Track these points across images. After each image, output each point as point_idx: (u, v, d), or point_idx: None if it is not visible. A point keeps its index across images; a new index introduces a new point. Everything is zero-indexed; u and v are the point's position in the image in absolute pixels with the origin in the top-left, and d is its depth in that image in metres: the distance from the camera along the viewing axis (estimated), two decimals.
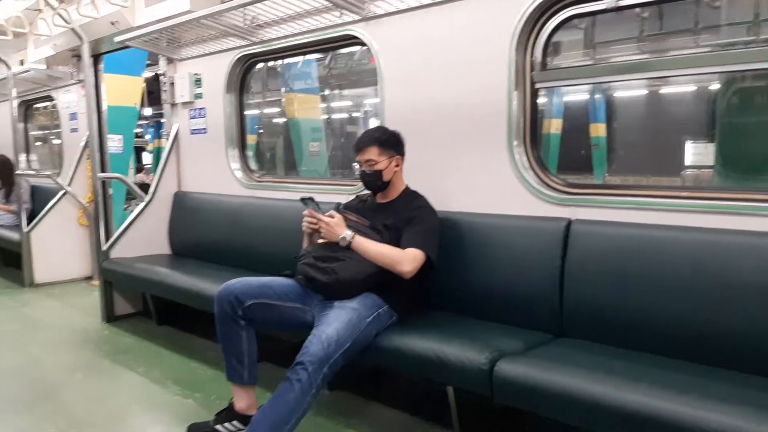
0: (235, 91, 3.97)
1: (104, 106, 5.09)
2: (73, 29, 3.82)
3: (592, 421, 1.87)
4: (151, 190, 4.27)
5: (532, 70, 2.60)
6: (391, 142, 2.62)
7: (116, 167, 5.29)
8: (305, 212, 2.53)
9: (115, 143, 5.54)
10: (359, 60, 7.79)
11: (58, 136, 7.82)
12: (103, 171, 4.62)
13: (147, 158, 18.20)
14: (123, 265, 3.90)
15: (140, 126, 17.10)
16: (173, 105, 4.34)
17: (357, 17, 3.08)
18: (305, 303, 2.49)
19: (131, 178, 7.19)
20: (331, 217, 2.47)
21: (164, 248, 4.30)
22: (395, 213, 2.59)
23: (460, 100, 2.79)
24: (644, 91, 9.95)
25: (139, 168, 14.90)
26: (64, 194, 5.28)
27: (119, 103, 5.68)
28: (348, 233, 2.44)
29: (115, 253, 4.06)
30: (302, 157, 7.81)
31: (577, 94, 9.63)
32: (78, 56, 5.10)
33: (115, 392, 2.98)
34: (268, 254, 3.50)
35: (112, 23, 3.88)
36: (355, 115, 12.01)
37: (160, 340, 3.67)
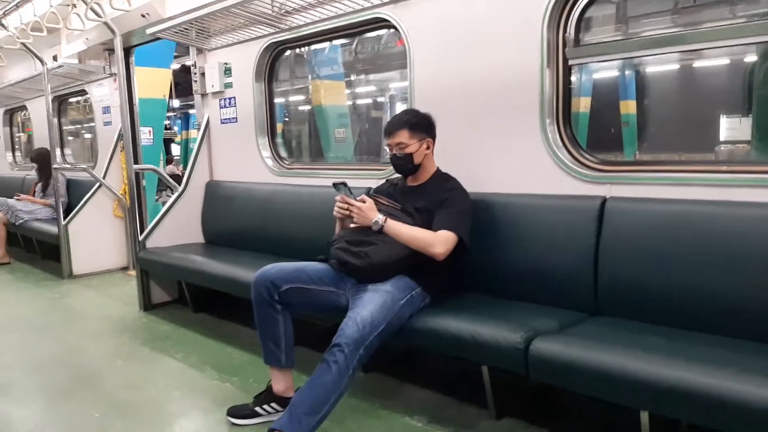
0: (264, 80, 4.00)
1: (136, 99, 5.20)
2: (105, 23, 3.87)
3: (628, 397, 1.87)
4: (185, 180, 4.33)
5: (564, 46, 2.56)
6: (421, 125, 2.61)
7: (147, 159, 5.40)
8: (337, 197, 2.54)
9: (145, 135, 5.66)
10: (386, 43, 7.74)
11: (89, 130, 8.02)
12: (136, 163, 4.70)
13: (175, 150, 18.50)
14: (159, 255, 3.98)
15: (168, 118, 17.35)
16: (204, 95, 4.38)
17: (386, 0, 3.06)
18: (339, 287, 2.51)
19: (162, 169, 7.32)
20: (363, 201, 2.48)
21: (198, 237, 4.37)
22: (426, 196, 2.59)
23: (491, 80, 2.76)
24: (676, 66, 9.69)
25: (169, 159, 15.14)
26: (99, 187, 5.39)
27: (149, 95, 5.78)
28: (380, 217, 2.44)
29: (150, 243, 4.15)
30: (329, 143, 7.83)
31: (606, 71, 9.43)
32: (110, 50, 5.21)
33: (154, 378, 3.05)
34: (300, 240, 3.53)
35: (143, 15, 3.93)
36: (380, 100, 11.98)
37: (196, 327, 3.75)
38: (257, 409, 2.48)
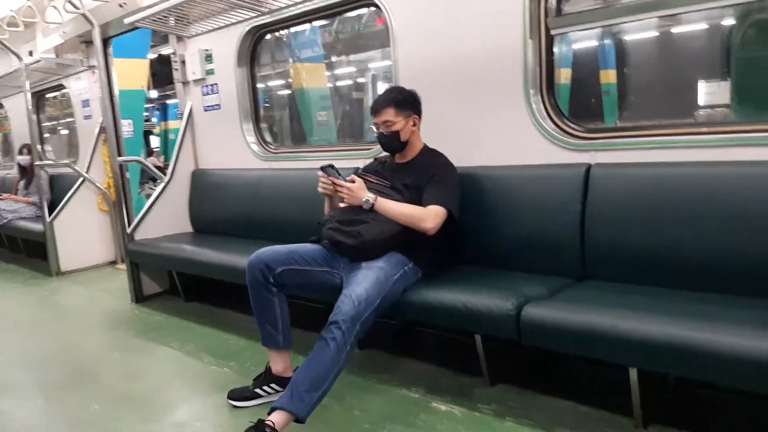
0: (246, 65, 3.98)
1: (115, 91, 5.14)
2: (83, 14, 3.82)
3: (616, 355, 1.93)
4: (170, 170, 4.31)
5: (546, 16, 2.57)
6: (407, 102, 2.62)
7: (128, 152, 5.33)
8: (320, 174, 2.54)
9: (125, 128, 5.60)
10: (366, 23, 7.69)
11: (66, 125, 7.91)
12: (120, 155, 4.67)
13: (154, 141, 18.30)
14: (149, 246, 3.97)
15: (146, 109, 17.16)
16: (185, 83, 4.35)
17: None
18: (333, 266, 2.54)
19: (146, 160, 7.24)
20: (352, 181, 2.49)
21: (186, 227, 4.37)
22: (415, 172, 2.61)
23: (474, 54, 2.78)
24: (654, 33, 9.73)
25: (149, 152, 15.00)
26: (82, 182, 5.34)
27: (127, 86, 5.70)
28: (370, 196, 2.46)
29: (139, 235, 4.13)
30: (311, 127, 7.79)
31: (585, 41, 9.44)
32: (87, 42, 5.13)
33: (152, 367, 3.07)
34: (290, 224, 3.54)
35: (121, 5, 3.88)
36: (361, 81, 11.91)
37: (189, 316, 3.76)
38: (257, 390, 2.50)
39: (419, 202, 2.51)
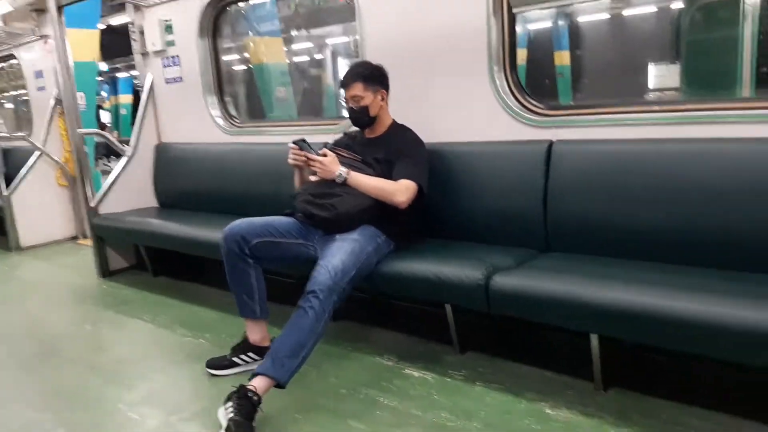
0: (208, 36, 3.95)
1: (71, 61, 5.00)
2: None
3: (578, 321, 2.07)
4: (132, 143, 4.27)
5: None
6: (375, 77, 2.68)
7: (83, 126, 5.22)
8: (291, 145, 2.58)
9: (78, 101, 5.45)
10: None
11: (15, 98, 7.62)
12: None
13: (105, 116, 17.74)
14: (114, 220, 3.95)
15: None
16: (144, 54, 4.28)
17: None
18: (307, 239, 2.61)
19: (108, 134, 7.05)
20: (325, 155, 2.55)
21: (151, 201, 4.35)
22: (385, 147, 2.69)
23: (439, 31, 2.86)
24: (607, 15, 9.98)
25: (101, 126, 14.56)
26: (39, 155, 5.21)
27: (78, 58, 5.51)
28: (343, 170, 2.53)
29: (103, 209, 4.10)
30: (270, 103, 7.72)
31: (540, 22, 9.61)
32: (38, 10, 4.96)
33: (126, 339, 3.10)
34: (256, 198, 3.58)
35: None
36: (318, 57, 11.80)
37: (159, 290, 3.77)
38: (235, 359, 2.58)
39: (389, 176, 2.59)
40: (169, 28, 4.09)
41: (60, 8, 4.07)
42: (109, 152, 11.05)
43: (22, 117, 8.43)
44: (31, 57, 5.53)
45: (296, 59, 11.40)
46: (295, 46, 10.69)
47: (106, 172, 8.41)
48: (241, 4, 5.70)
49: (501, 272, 2.28)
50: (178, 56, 4.11)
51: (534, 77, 8.92)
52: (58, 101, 5.19)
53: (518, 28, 2.79)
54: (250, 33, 7.60)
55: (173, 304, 3.53)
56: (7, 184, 5.15)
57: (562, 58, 9.65)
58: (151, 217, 3.89)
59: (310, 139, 2.60)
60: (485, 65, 2.75)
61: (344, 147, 2.75)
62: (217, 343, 2.87)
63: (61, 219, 5.40)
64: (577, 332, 2.17)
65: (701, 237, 2.19)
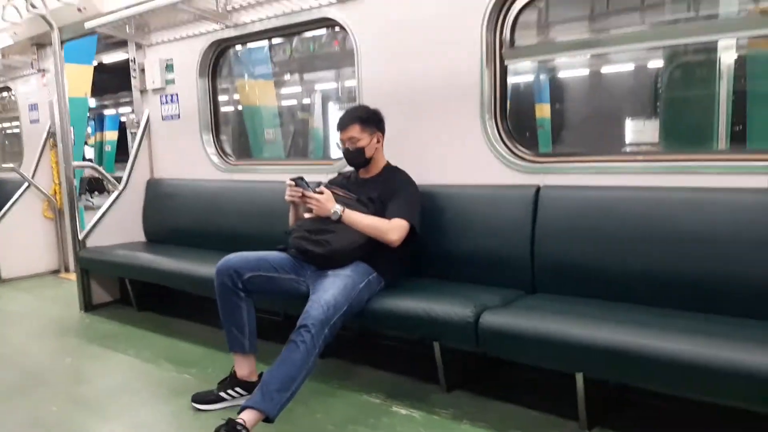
0: (208, 76, 4.05)
1: (66, 96, 5.07)
2: (43, 16, 3.79)
3: (570, 361, 2.13)
4: (124, 178, 4.30)
5: (501, 47, 2.81)
6: (372, 120, 2.78)
7: None
8: (289, 182, 2.64)
9: None
10: (323, 43, 7.84)
11: (2, 129, 7.62)
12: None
13: (88, 152, 17.73)
14: (102, 253, 3.94)
15: None
16: (143, 91, 4.37)
17: (333, 0, 3.22)
18: (299, 274, 2.65)
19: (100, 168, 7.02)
20: (321, 193, 2.62)
21: (138, 236, 4.35)
22: (379, 187, 2.76)
23: (435, 78, 2.98)
24: (586, 71, 10.34)
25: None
26: (27, 187, 5.21)
27: (72, 94, 5.60)
28: (338, 207, 2.60)
29: (90, 243, 4.10)
30: (259, 144, 7.82)
31: (522, 75, 9.91)
32: (38, 45, 5.05)
33: (109, 372, 3.06)
34: (247, 235, 3.60)
35: (80, 10, 3.88)
36: (306, 102, 11.99)
37: (143, 325, 3.74)
38: (222, 394, 2.57)
39: (383, 215, 2.66)
40: (169, 67, 4.19)
41: (62, 43, 4.17)
42: (91, 188, 11.05)
43: (7, 150, 8.42)
44: (27, 90, 5.59)
45: (286, 102, 11.59)
46: (285, 90, 10.88)
47: (89, 208, 8.40)
48: (238, 47, 5.87)
49: (490, 310, 2.34)
50: (176, 94, 4.20)
51: (515, 128, 9.10)
52: (51, 134, 5.23)
53: None
54: (244, 75, 7.77)
55: (157, 338, 3.50)
56: None
57: (543, 110, 9.88)
58: (139, 251, 3.89)
59: (307, 178, 2.67)
60: (477, 112, 2.87)
61: (339, 186, 2.83)
62: (202, 379, 2.85)
63: (44, 252, 5.35)
64: (563, 372, 2.21)
65: (682, 281, 2.28)
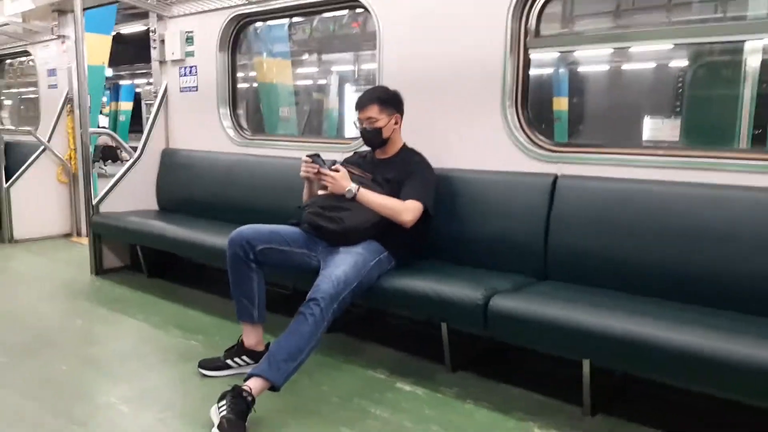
0: (227, 50, 4.05)
1: (86, 64, 5.08)
2: None
3: (578, 349, 2.13)
4: (140, 146, 4.33)
5: (526, 36, 2.79)
6: (391, 101, 2.78)
7: None
8: (305, 158, 2.65)
9: None
10: (343, 24, 7.81)
11: (21, 94, 7.66)
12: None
13: (103, 121, 17.82)
14: (115, 219, 3.97)
15: None
16: (162, 62, 4.37)
17: None
18: (311, 249, 2.67)
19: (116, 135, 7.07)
20: (337, 171, 2.62)
21: (151, 204, 4.38)
22: (395, 168, 2.77)
23: (457, 64, 2.97)
24: (606, 67, 10.26)
25: None
26: (43, 150, 5.25)
27: (90, 62, 5.61)
28: (353, 186, 2.60)
29: (103, 208, 4.13)
30: (273, 122, 7.83)
31: (542, 68, 9.84)
32: (59, 11, 5.06)
33: (118, 336, 3.10)
34: (260, 209, 3.59)
35: None
36: (322, 82, 11.97)
37: (153, 291, 3.78)
38: (228, 361, 2.60)
39: (398, 196, 2.67)
40: (190, 39, 4.19)
41: (83, 10, 4.17)
42: (105, 156, 11.12)
43: (23, 115, 8.47)
44: (46, 55, 5.61)
45: (302, 82, 11.59)
46: (302, 70, 10.88)
47: (102, 175, 8.44)
48: (258, 24, 5.86)
49: (500, 294, 2.34)
50: (195, 66, 4.20)
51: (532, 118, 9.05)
52: (69, 99, 5.25)
53: None
54: (262, 53, 7.77)
55: (166, 305, 3.54)
56: (7, 178, 5.16)
57: (561, 103, 9.85)
58: (152, 218, 3.92)
59: (323, 156, 2.68)
60: (498, 99, 2.86)
61: (355, 165, 2.83)
62: (209, 346, 2.88)
63: (57, 215, 5.40)
64: (568, 359, 2.23)
65: (696, 276, 2.28)
